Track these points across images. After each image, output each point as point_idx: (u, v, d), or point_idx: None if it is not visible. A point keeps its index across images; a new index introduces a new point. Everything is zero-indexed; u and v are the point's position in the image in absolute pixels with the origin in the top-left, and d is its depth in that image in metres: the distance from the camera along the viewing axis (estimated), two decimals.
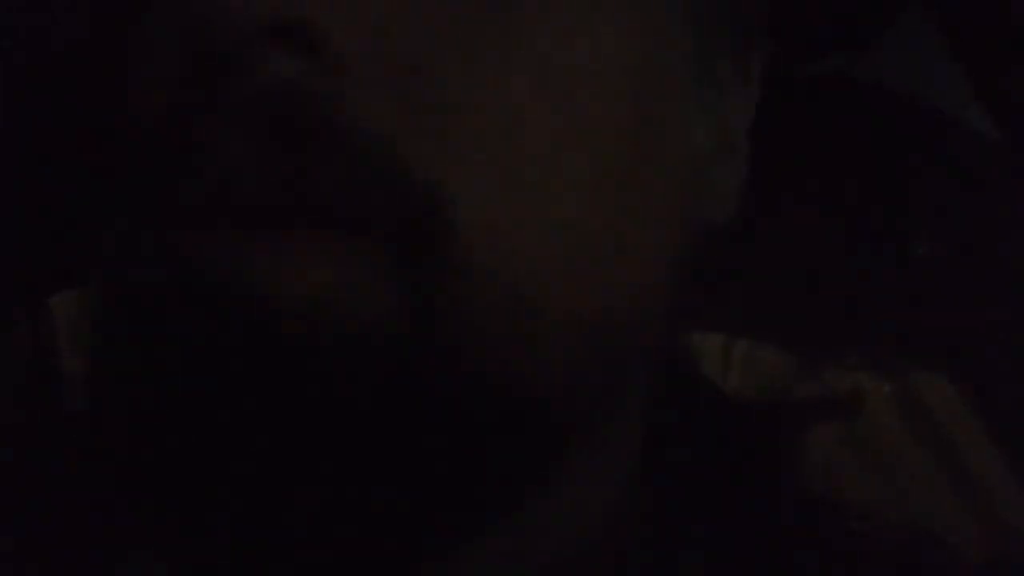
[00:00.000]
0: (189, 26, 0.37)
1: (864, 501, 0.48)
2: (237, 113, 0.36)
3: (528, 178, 0.37)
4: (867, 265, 0.65)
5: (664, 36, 0.40)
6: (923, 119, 0.69)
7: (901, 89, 0.70)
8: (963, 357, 0.57)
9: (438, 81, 0.37)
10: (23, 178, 0.63)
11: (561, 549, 0.41)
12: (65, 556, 0.42)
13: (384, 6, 0.37)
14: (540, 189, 0.37)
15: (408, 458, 0.37)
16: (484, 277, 0.36)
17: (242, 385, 0.36)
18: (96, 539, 0.42)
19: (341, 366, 0.36)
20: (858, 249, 0.65)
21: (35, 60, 0.63)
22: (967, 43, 0.69)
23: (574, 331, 0.38)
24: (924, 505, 0.49)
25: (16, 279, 0.58)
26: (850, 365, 0.52)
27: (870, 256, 0.65)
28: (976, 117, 0.69)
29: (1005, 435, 0.51)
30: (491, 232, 0.37)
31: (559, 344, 0.38)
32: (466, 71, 0.37)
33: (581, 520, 0.41)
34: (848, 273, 0.65)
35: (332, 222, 0.36)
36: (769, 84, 0.44)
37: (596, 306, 0.38)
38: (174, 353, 0.37)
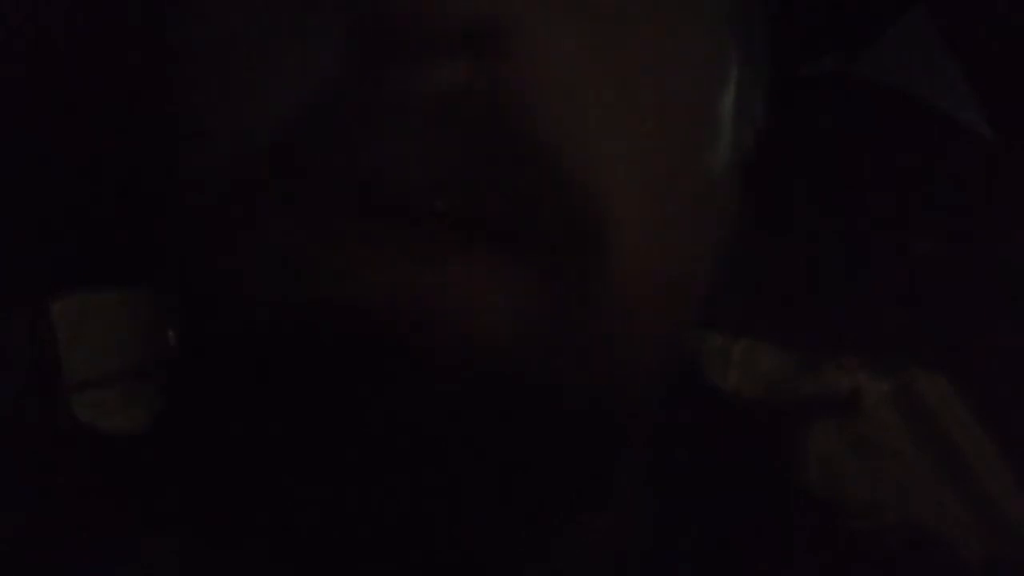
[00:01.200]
0: (367, 13, 0.35)
1: (864, 501, 0.48)
2: (410, 110, 0.35)
3: (663, 194, 0.37)
4: (867, 264, 0.65)
5: (728, 47, 0.40)
6: (923, 119, 0.69)
7: (901, 89, 0.70)
8: (963, 357, 0.57)
9: (590, 90, 0.36)
10: (24, 177, 0.63)
11: (578, 548, 0.41)
12: (65, 556, 0.42)
13: (552, 18, 0.36)
14: (670, 204, 0.37)
15: (528, 465, 0.37)
16: (635, 299, 0.37)
17: (384, 399, 0.35)
18: (96, 539, 0.42)
19: (489, 379, 0.35)
20: (858, 249, 0.65)
21: (41, 53, 0.63)
22: (967, 43, 0.69)
23: (670, 341, 0.39)
24: (924, 505, 0.49)
25: (16, 279, 0.58)
26: (850, 365, 0.52)
27: (870, 256, 0.65)
28: (976, 117, 0.69)
29: (1005, 435, 0.51)
30: (644, 251, 0.37)
31: (663, 352, 0.39)
32: (607, 79, 0.37)
33: (597, 519, 0.41)
34: (848, 273, 0.65)
35: (500, 234, 0.35)
36: (770, 84, 0.44)
37: (690, 313, 0.40)
38: (312, 365, 0.36)
